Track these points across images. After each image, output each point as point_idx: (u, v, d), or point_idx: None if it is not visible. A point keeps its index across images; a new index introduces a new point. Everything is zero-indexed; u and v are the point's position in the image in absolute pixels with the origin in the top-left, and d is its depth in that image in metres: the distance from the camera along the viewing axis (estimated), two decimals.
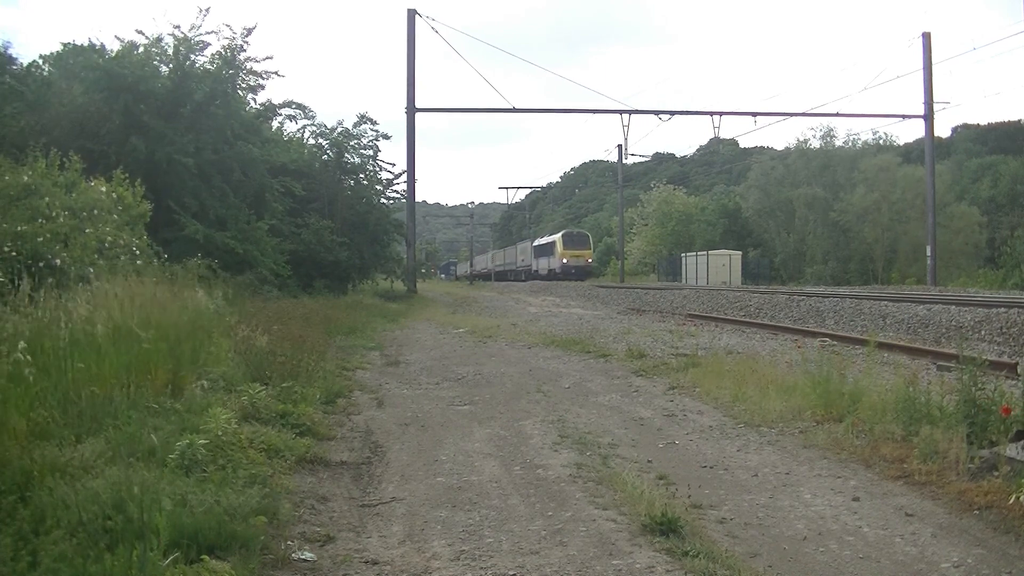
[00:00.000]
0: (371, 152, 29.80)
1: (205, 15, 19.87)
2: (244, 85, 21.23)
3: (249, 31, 20.17)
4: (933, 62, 32.09)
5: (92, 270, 9.19)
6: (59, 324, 6.01)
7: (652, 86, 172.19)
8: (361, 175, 30.37)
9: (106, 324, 6.32)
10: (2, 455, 4.26)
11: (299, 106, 27.35)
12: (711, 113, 33.66)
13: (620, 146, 51.68)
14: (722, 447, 6.36)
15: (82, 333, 6.07)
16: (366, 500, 5.10)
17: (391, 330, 17.94)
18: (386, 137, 30.21)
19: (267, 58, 25.73)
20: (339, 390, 8.67)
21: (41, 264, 9.46)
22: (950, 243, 40.53)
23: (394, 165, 31.51)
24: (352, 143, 29.26)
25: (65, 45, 21.45)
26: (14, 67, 19.59)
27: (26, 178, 11.57)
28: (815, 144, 51.96)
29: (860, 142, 50.38)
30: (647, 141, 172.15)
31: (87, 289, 7.46)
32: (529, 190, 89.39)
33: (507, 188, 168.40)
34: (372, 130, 29.48)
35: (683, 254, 51.44)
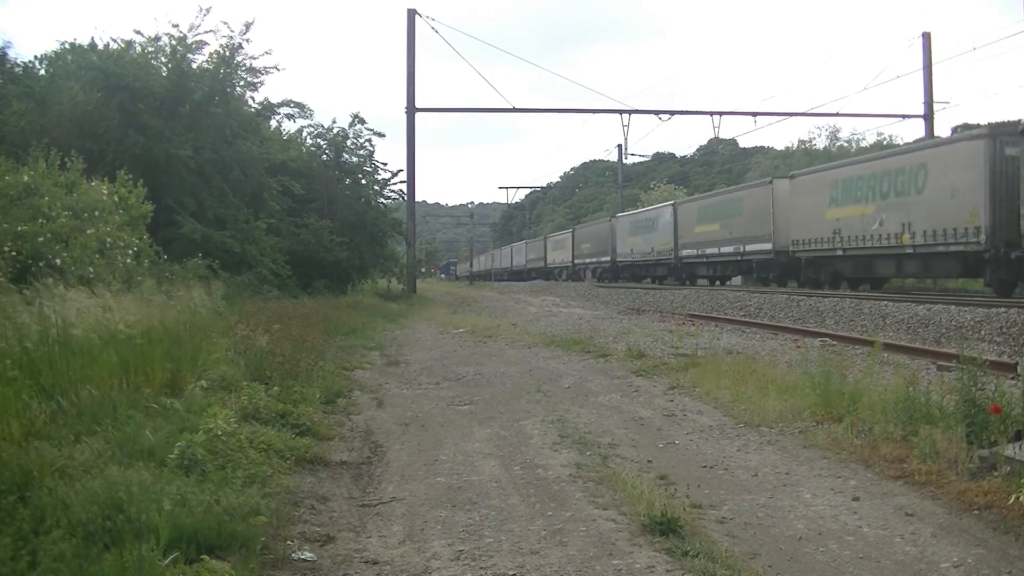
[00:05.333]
0: (366, 152, 29.90)
1: (205, 15, 19.93)
2: (243, 83, 21.26)
3: (247, 27, 20.23)
4: (933, 62, 32.12)
5: (92, 270, 9.20)
6: (50, 324, 6.03)
7: (652, 86, 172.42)
8: (359, 175, 30.42)
9: (95, 325, 6.32)
10: (1, 455, 4.26)
11: (297, 105, 27.44)
12: (711, 113, 33.68)
13: (620, 146, 51.81)
14: (722, 447, 6.36)
15: (71, 333, 6.07)
16: (366, 500, 5.10)
17: (391, 330, 17.94)
18: (380, 135, 30.30)
19: (265, 53, 25.80)
20: (339, 390, 8.67)
21: (42, 264, 9.47)
22: None
23: (386, 164, 31.61)
24: (349, 143, 29.33)
25: (62, 44, 21.50)
26: (16, 68, 19.65)
27: (26, 178, 11.58)
28: (820, 143, 51.92)
29: (864, 142, 50.26)
30: (647, 141, 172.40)
31: (79, 288, 7.47)
32: (529, 190, 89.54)
33: (507, 188, 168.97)
34: (367, 129, 29.60)
35: None
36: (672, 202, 38.21)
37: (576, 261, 51.84)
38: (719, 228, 30.35)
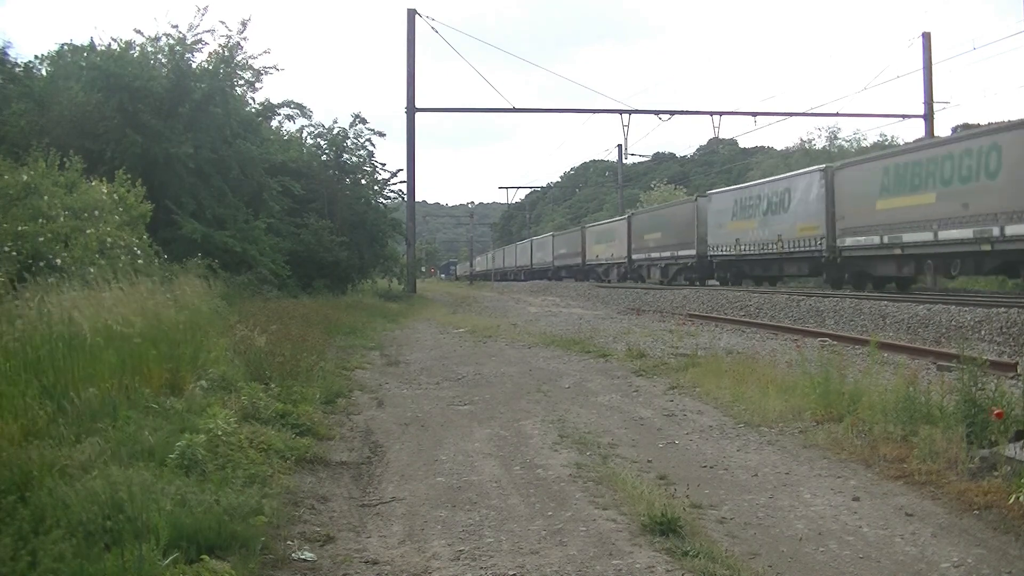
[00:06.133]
0: (366, 153, 29.94)
1: (203, 14, 19.94)
2: (242, 83, 21.29)
3: (244, 26, 20.28)
4: (933, 62, 32.10)
5: (92, 270, 9.20)
6: (49, 324, 6.03)
7: (652, 86, 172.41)
8: (359, 175, 30.45)
9: (94, 324, 6.32)
10: (1, 455, 4.25)
11: (297, 105, 27.43)
12: (711, 113, 33.73)
13: (620, 146, 51.81)
14: (722, 447, 6.36)
15: (71, 333, 6.07)
16: (366, 500, 5.10)
17: (391, 330, 17.95)
18: (380, 135, 30.32)
19: (264, 53, 25.83)
20: (339, 390, 8.68)
21: (42, 264, 9.47)
22: None
23: (384, 165, 31.62)
24: (349, 142, 29.36)
25: (62, 45, 21.53)
26: (16, 67, 19.66)
27: (25, 177, 11.58)
28: (820, 144, 51.78)
29: (866, 142, 49.95)
30: (647, 141, 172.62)
31: (78, 289, 7.47)
32: (529, 190, 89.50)
33: (507, 188, 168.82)
34: (367, 129, 29.64)
35: None
36: (822, 166, 25.04)
37: (636, 256, 39.66)
38: (936, 201, 19.26)
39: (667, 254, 35.69)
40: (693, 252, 32.44)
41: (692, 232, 32.56)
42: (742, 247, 28.47)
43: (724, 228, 29.96)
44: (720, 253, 30.23)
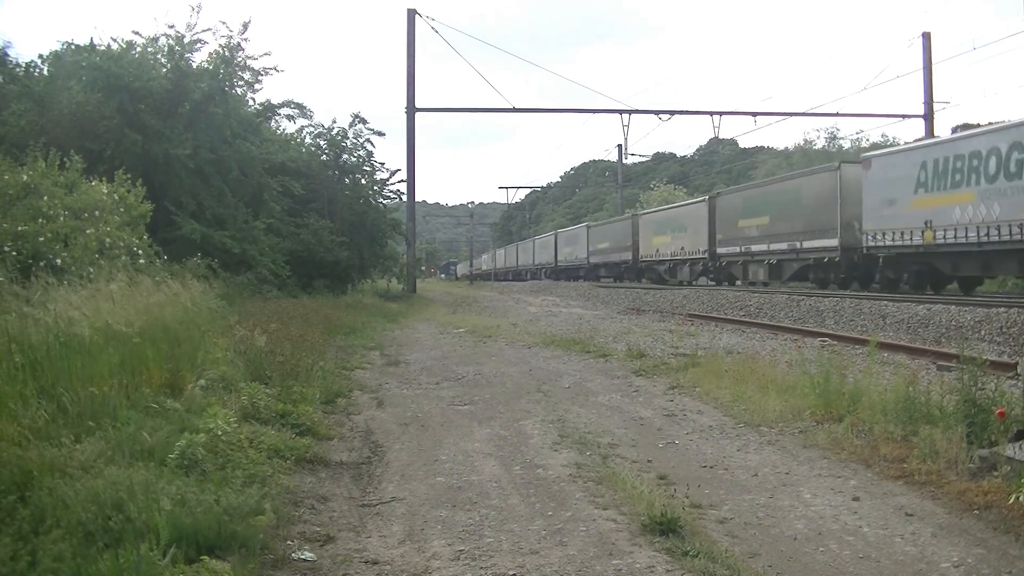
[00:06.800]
0: (366, 152, 29.94)
1: (198, 12, 19.98)
2: (242, 83, 21.32)
3: (245, 27, 20.34)
4: (933, 62, 32.05)
5: (92, 270, 9.20)
6: (48, 323, 6.03)
7: (652, 86, 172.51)
8: (358, 175, 30.46)
9: (94, 324, 6.32)
10: (1, 455, 4.25)
11: (298, 106, 27.46)
12: (711, 113, 33.70)
13: (620, 146, 51.79)
14: (722, 447, 6.35)
15: (71, 332, 6.07)
16: (366, 500, 5.10)
17: (391, 330, 17.95)
18: (380, 134, 30.30)
19: (265, 54, 25.85)
20: (339, 390, 8.67)
21: (42, 263, 9.47)
22: None
23: (384, 164, 31.61)
24: (349, 142, 29.36)
25: (63, 45, 21.54)
26: (16, 67, 19.68)
27: (25, 177, 11.58)
28: (820, 144, 51.79)
29: (867, 141, 49.82)
30: (647, 141, 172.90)
31: (77, 288, 7.47)
32: (529, 190, 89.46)
33: (507, 188, 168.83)
34: (367, 129, 29.64)
35: None
36: None
37: (723, 249, 30.51)
38: None
39: (783, 246, 25.86)
40: (834, 243, 23.05)
41: (833, 214, 23.07)
42: (938, 234, 18.89)
43: (898, 206, 20.20)
44: (889, 243, 20.60)
